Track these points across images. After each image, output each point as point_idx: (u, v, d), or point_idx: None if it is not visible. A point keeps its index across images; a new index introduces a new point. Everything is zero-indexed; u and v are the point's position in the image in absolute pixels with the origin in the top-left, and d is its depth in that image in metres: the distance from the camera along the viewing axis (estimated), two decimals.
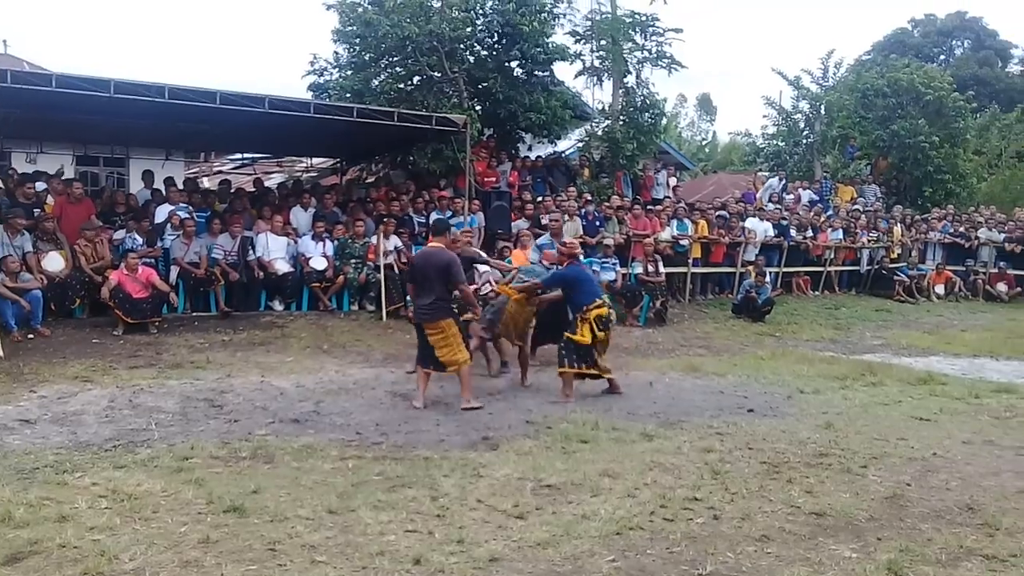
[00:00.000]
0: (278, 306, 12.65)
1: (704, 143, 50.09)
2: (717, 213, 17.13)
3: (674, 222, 16.25)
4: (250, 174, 20.99)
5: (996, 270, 19.72)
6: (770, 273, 16.32)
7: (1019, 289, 19.61)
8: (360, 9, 16.42)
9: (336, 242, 13.10)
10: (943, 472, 5.90)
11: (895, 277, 18.66)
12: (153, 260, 11.89)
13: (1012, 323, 15.91)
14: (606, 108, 19.66)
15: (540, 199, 16.02)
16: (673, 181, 20.26)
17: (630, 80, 19.28)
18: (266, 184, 18.41)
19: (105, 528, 4.51)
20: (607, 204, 16.09)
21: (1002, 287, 19.41)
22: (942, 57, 40.35)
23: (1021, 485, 5.60)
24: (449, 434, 6.79)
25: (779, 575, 4.12)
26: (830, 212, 19.91)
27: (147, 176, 14.72)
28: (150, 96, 10.82)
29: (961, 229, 20.58)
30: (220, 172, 23.02)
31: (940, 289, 19.19)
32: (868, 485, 5.57)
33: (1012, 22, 77.90)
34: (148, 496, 5.02)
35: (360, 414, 7.41)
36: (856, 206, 20.70)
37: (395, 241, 13.18)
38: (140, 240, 11.96)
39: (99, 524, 4.56)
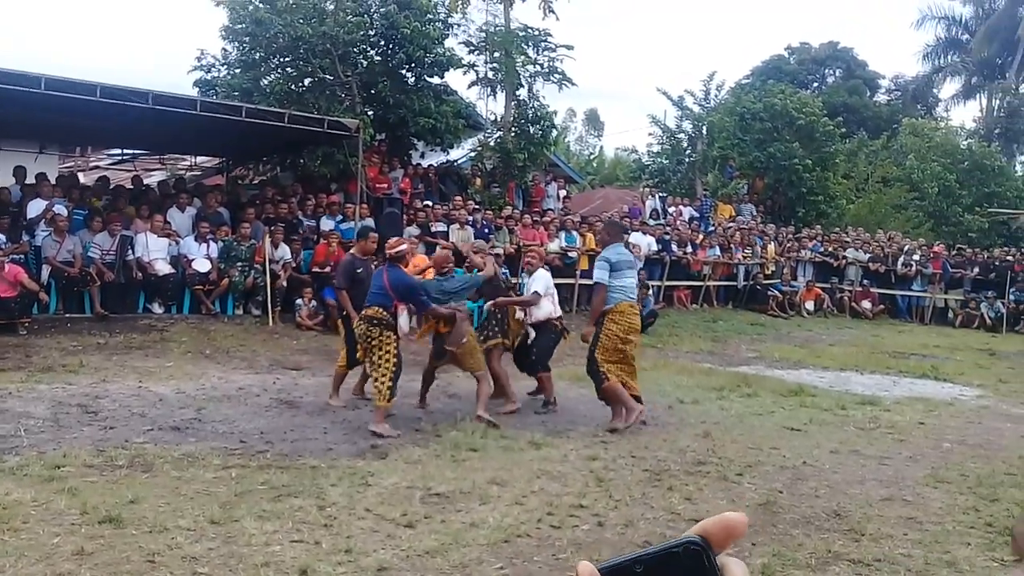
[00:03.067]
0: (157, 309, 12.23)
1: (592, 157, 51.03)
2: None
3: (562, 234, 16.55)
4: (130, 171, 20.16)
5: (860, 288, 20.87)
6: (653, 287, 16.78)
7: (882, 306, 20.82)
8: (251, 7, 16.07)
9: (221, 244, 12.77)
10: (812, 480, 6.23)
11: (769, 293, 19.50)
12: (22, 257, 11.30)
13: (875, 339, 16.86)
14: (498, 119, 19.86)
15: (430, 206, 16.03)
16: (563, 193, 20.62)
17: (522, 93, 19.55)
18: (146, 182, 17.76)
19: None
20: (495, 213, 16.24)
21: (866, 304, 20.55)
22: (815, 84, 42.34)
23: (884, 493, 5.97)
24: (337, 442, 6.73)
25: None
26: (711, 229, 20.65)
27: (19, 172, 13.97)
28: (24, 86, 10.30)
29: (830, 249, 21.70)
30: (97, 167, 22.03)
31: (810, 305, 20.15)
32: (743, 492, 5.83)
33: (880, 54, 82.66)
34: (17, 506, 4.78)
35: (244, 422, 7.25)
36: (731, 224, 21.54)
37: (284, 250, 12.95)
38: (2, 238, 11.33)
39: None
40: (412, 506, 5.21)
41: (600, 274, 7.64)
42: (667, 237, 18.35)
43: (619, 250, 7.91)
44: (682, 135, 25.86)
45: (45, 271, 11.43)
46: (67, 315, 11.44)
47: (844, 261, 21.34)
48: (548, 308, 8.57)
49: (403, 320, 7.40)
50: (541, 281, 8.57)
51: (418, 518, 4.99)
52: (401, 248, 7.60)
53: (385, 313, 7.31)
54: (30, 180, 13.69)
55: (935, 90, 39.98)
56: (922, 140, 29.84)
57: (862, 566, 4.59)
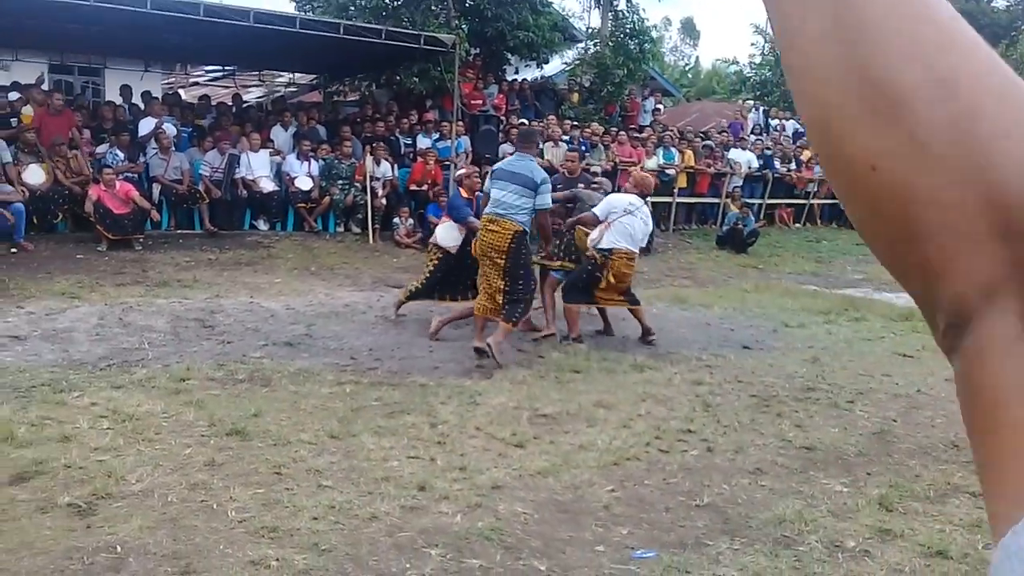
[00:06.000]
0: (263, 226, 12.55)
1: (687, 68, 49.53)
2: (703, 143, 17.05)
3: (660, 150, 16.17)
4: (228, 86, 20.55)
5: None
6: (754, 205, 16.36)
7: None
8: None
9: (322, 162, 12.93)
10: (928, 409, 6.06)
11: None
12: (136, 175, 11.70)
13: None
14: (594, 32, 19.36)
15: (526, 123, 15.82)
16: (660, 108, 20.11)
17: (620, 3, 18.95)
18: (245, 98, 18.07)
19: (109, 449, 4.53)
20: (592, 131, 15.94)
21: None
22: None
23: None
24: (443, 361, 6.83)
25: (774, 508, 4.23)
26: None
27: (125, 90, 14.36)
28: (131, 6, 10.49)
29: None
30: (196, 84, 22.48)
31: None
32: (856, 420, 5.72)
33: None
34: (149, 417, 5.04)
35: (352, 338, 7.43)
36: None
37: (386, 167, 13.04)
38: (121, 156, 11.73)
39: (103, 445, 4.58)
40: (520, 426, 5.29)
41: (485, 183, 7.40)
42: (769, 152, 17.74)
43: (511, 160, 7.10)
44: None
45: (156, 189, 11.81)
46: (179, 231, 11.86)
47: None
48: (594, 236, 7.61)
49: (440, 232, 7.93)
50: (602, 206, 7.67)
51: (527, 438, 5.06)
52: (460, 172, 8.68)
53: None
54: (135, 99, 14.07)
55: None
56: None
57: (982, 499, 4.46)
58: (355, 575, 3.40)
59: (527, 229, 6.80)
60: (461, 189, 8.11)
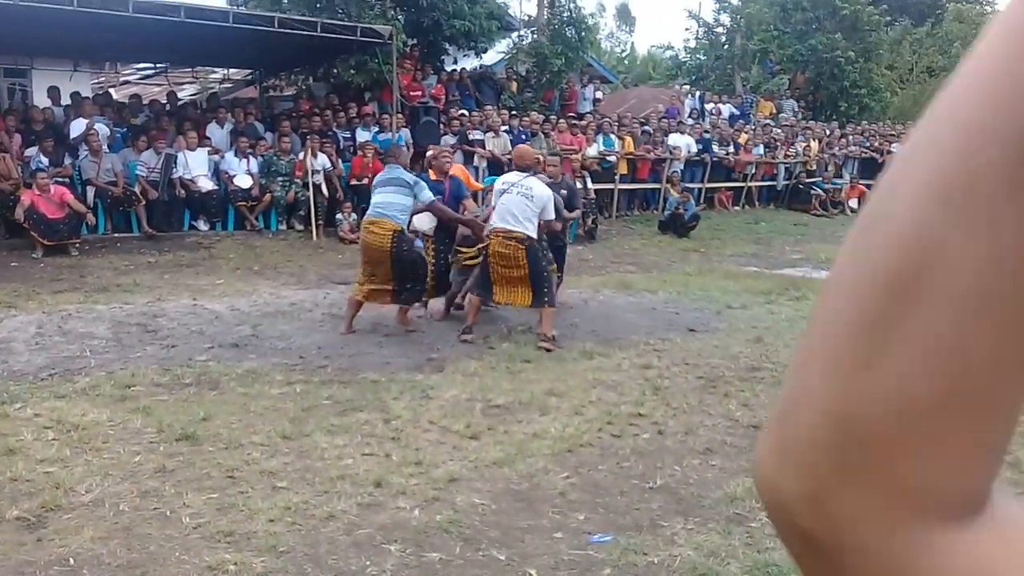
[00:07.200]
0: (203, 226, 12.34)
1: (624, 55, 49.82)
2: (642, 128, 17.20)
3: (600, 137, 16.27)
4: (160, 84, 20.11)
5: None
6: (694, 189, 16.57)
7: None
8: None
9: (260, 159, 12.75)
10: None
11: (812, 191, 19.17)
12: (68, 179, 11.40)
13: None
14: (531, 20, 19.39)
15: (466, 114, 15.78)
16: (599, 95, 20.23)
17: None
18: (179, 96, 17.70)
19: (56, 460, 4.45)
20: (532, 120, 15.96)
21: None
22: None
23: None
24: (393, 356, 6.82)
25: (725, 486, 4.34)
26: (753, 126, 20.18)
27: (53, 92, 13.96)
28: (56, 4, 10.21)
29: (876, 144, 21.18)
30: (128, 82, 21.95)
31: (854, 203, 19.80)
32: None
33: None
34: (96, 426, 4.95)
35: (300, 337, 7.36)
36: (767, 121, 21.00)
37: (323, 160, 12.89)
38: (45, 160, 11.40)
39: (49, 456, 4.49)
40: (474, 418, 5.32)
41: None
42: (708, 136, 17.96)
43: (384, 171, 7.50)
44: (720, 28, 25.09)
45: (90, 192, 11.53)
46: (116, 235, 11.60)
47: (889, 156, 20.81)
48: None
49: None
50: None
51: (481, 429, 5.10)
52: (429, 154, 8.25)
53: None
54: (65, 100, 13.68)
55: None
56: (968, 27, 28.64)
57: None
58: (315, 575, 3.41)
59: (405, 228, 7.07)
60: (430, 171, 8.10)
